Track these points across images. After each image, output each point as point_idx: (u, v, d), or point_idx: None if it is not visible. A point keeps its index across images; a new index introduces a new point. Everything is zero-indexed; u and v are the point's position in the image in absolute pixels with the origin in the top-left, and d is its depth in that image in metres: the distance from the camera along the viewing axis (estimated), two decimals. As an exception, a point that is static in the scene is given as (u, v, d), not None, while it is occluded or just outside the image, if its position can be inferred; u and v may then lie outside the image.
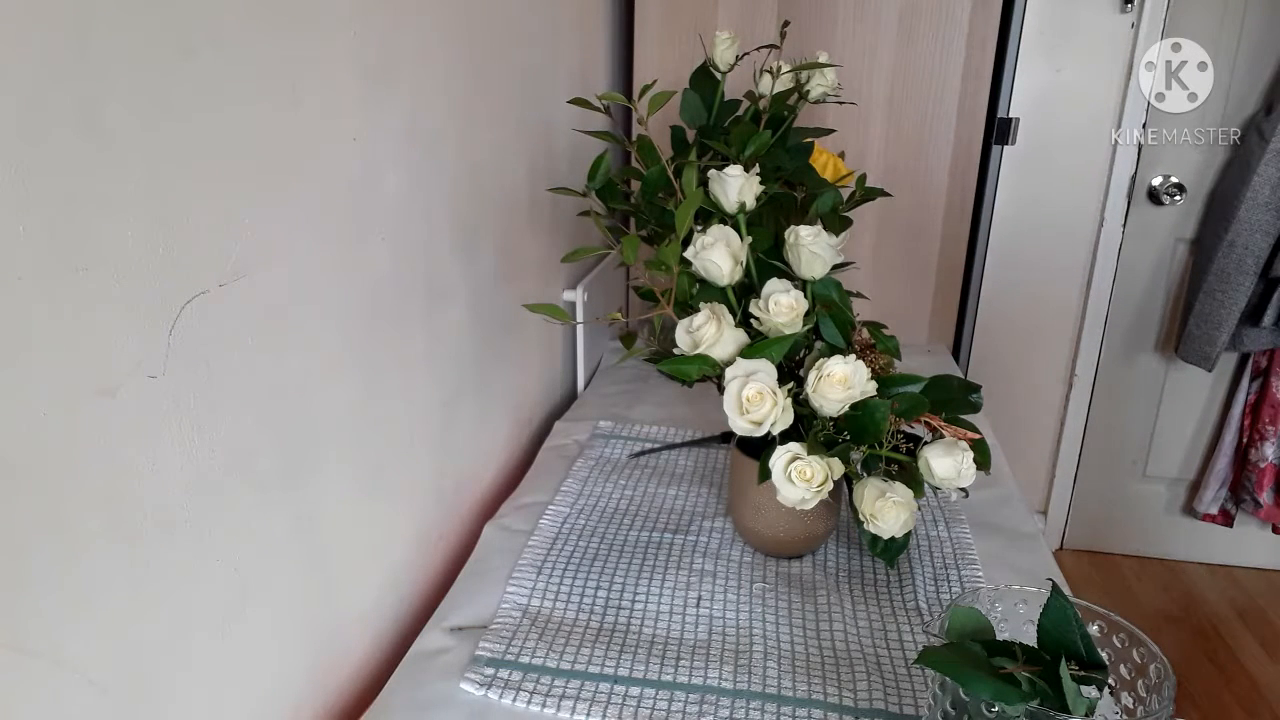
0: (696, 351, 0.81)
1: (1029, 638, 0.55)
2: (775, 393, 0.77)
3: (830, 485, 0.77)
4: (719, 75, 1.07)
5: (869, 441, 0.80)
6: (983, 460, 0.84)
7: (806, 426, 0.80)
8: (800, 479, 0.77)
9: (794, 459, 0.77)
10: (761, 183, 0.87)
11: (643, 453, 1.15)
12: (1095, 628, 0.58)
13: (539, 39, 1.14)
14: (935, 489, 0.84)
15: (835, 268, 0.85)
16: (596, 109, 0.93)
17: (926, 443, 0.82)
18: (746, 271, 0.85)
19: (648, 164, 0.95)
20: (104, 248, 0.46)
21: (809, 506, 0.78)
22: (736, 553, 0.93)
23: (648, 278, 0.86)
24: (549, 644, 0.79)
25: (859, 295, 0.91)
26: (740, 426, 0.78)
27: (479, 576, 0.88)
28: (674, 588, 0.87)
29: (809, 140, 1.07)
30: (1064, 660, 0.50)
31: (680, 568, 0.90)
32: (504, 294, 1.06)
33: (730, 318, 0.82)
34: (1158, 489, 2.20)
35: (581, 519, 0.99)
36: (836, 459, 0.78)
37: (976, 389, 0.87)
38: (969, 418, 0.86)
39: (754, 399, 0.77)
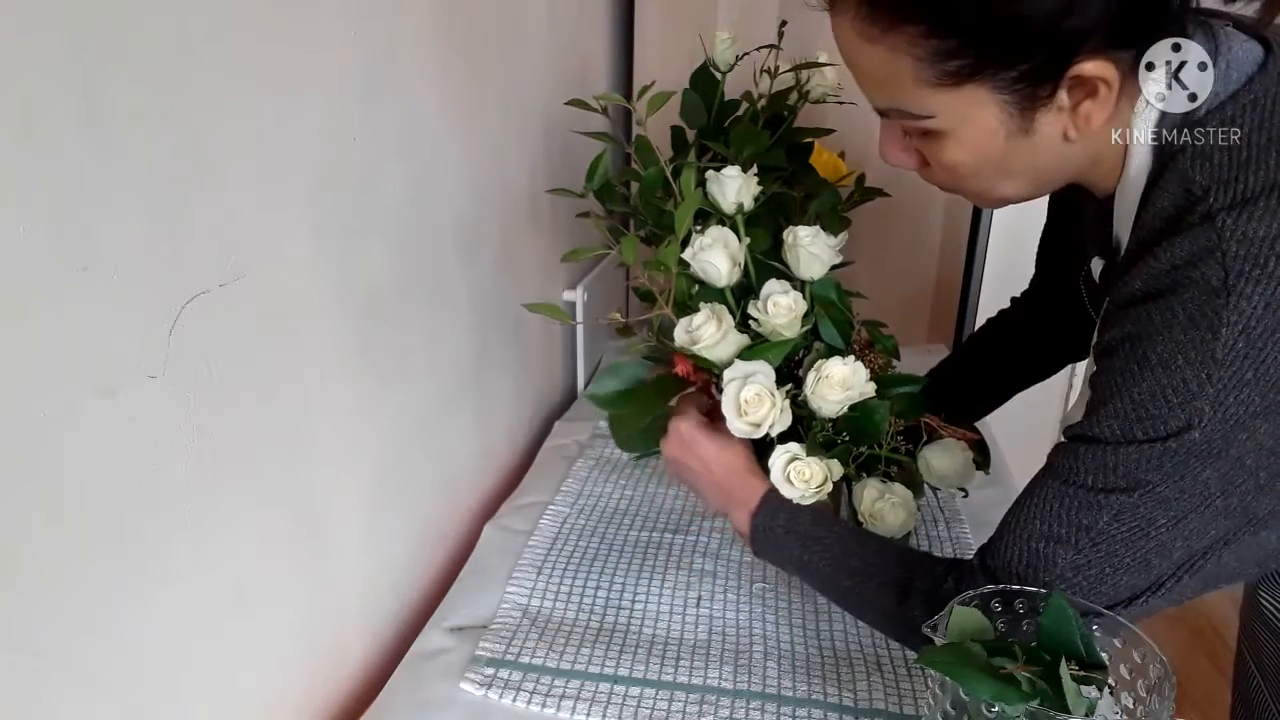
0: (693, 350, 0.80)
1: (1029, 638, 0.55)
2: (774, 394, 0.77)
3: (829, 486, 0.77)
4: (719, 75, 1.07)
5: (868, 443, 0.80)
6: (982, 460, 0.84)
7: (805, 427, 0.80)
8: (799, 480, 0.76)
9: (793, 460, 0.77)
10: (760, 183, 0.87)
11: (644, 454, 1.14)
12: (1095, 628, 0.58)
13: (539, 39, 1.14)
14: (935, 489, 0.83)
15: (834, 267, 0.85)
16: (594, 110, 0.93)
17: (926, 443, 0.82)
18: (745, 272, 0.85)
19: (645, 165, 0.95)
20: (104, 248, 0.46)
21: (808, 507, 0.78)
22: (736, 553, 0.93)
23: (646, 278, 0.85)
24: (549, 644, 0.79)
25: (858, 295, 0.91)
26: (739, 428, 0.78)
27: (479, 576, 0.88)
28: (674, 588, 0.87)
29: (809, 140, 1.07)
30: (1064, 660, 0.50)
31: (680, 568, 0.90)
32: (504, 294, 1.06)
33: (730, 319, 0.82)
34: (1158, 489, 2.20)
35: (581, 519, 0.99)
36: (835, 460, 0.78)
37: (976, 389, 0.87)
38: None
39: (752, 401, 0.77)
